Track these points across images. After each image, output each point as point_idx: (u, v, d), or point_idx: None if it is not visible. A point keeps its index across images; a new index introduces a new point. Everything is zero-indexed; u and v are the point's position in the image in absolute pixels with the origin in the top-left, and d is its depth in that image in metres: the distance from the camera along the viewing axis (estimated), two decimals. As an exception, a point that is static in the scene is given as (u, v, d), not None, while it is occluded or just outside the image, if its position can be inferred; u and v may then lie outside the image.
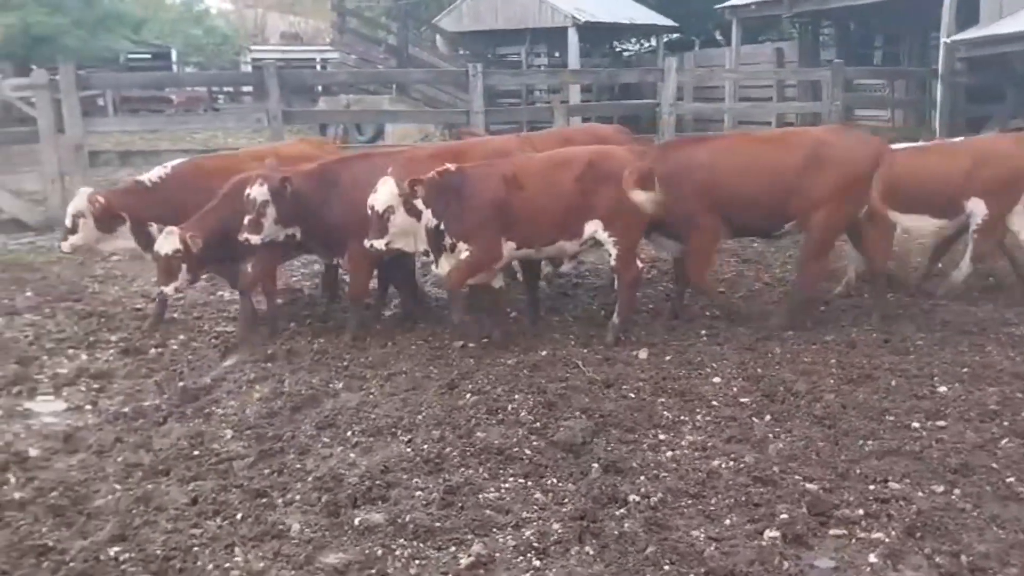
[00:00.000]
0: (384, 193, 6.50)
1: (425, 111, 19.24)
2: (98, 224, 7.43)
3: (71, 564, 3.97)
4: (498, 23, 25.50)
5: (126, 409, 5.83)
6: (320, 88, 26.66)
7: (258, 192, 6.70)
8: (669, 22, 25.70)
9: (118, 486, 4.73)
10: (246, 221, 6.69)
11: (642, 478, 4.68)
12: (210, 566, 3.96)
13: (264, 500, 4.54)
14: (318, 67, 36.46)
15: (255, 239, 6.74)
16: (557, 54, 26.07)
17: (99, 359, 6.84)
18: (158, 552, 4.05)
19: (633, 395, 5.79)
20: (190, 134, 21.59)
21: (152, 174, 7.70)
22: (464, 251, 6.64)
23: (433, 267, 7.18)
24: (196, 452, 5.11)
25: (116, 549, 4.09)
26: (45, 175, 10.59)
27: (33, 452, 5.17)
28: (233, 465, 4.94)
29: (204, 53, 51.16)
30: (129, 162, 11.17)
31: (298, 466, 4.93)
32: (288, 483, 4.73)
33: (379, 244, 6.55)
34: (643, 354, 6.56)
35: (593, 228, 6.76)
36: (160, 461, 5.00)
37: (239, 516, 4.38)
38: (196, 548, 4.10)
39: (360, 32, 22.62)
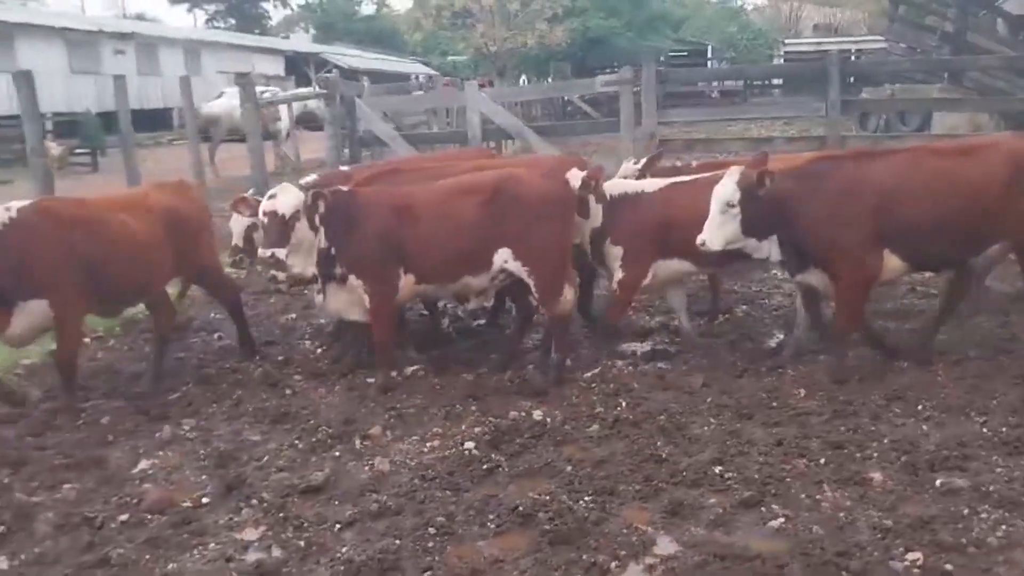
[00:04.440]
0: (290, 198, 6.08)
1: (991, 100, 17.81)
2: None
3: (684, 473, 4.78)
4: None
5: (705, 361, 6.64)
6: (852, 79, 26.10)
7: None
8: None
9: (712, 420, 5.50)
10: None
11: None
12: (802, 496, 4.50)
13: (843, 451, 4.96)
14: (852, 58, 35.70)
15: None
16: None
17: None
18: (755, 476, 4.69)
19: None
20: (725, 125, 22.63)
21: None
22: (360, 287, 6.20)
23: (317, 298, 6.55)
24: (774, 404, 5.70)
25: (719, 468, 4.82)
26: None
27: (636, 385, 6.16)
28: (810, 419, 5.43)
29: (736, 49, 52.77)
30: (693, 148, 12.27)
31: (872, 428, 5.26)
32: (864, 441, 5.09)
33: (280, 253, 5.97)
34: None
35: (503, 258, 6.24)
36: (743, 407, 5.67)
37: (822, 461, 4.87)
38: (788, 480, 4.67)
39: (912, 20, 21.75)
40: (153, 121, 33.65)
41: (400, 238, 6.22)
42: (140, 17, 62.18)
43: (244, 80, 12.90)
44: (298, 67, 47.47)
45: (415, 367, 6.74)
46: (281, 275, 6.34)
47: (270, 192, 6.13)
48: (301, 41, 57.02)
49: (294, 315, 8.49)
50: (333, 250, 6.20)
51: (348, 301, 6.34)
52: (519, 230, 6.25)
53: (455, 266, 6.36)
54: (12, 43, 30.05)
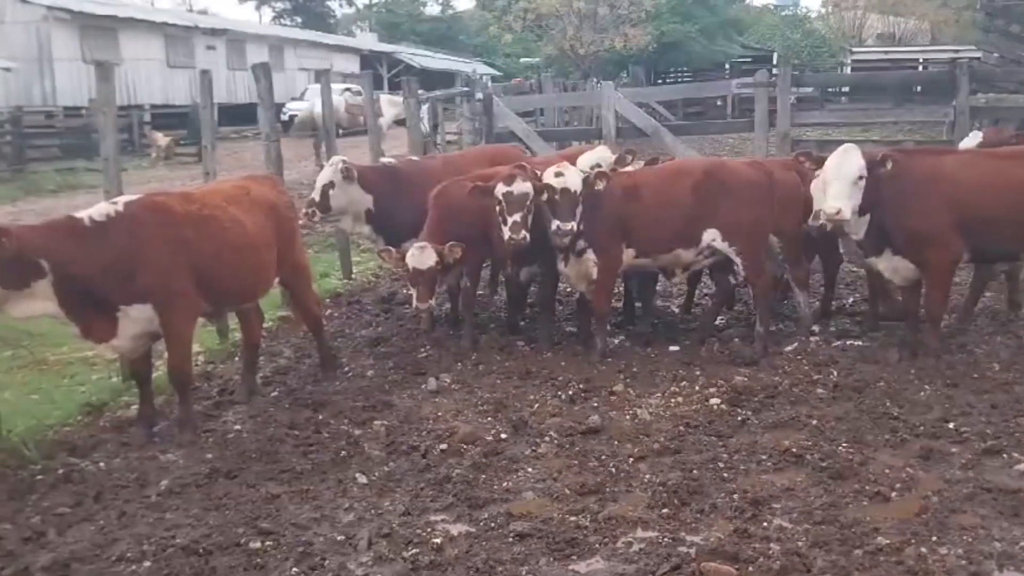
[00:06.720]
0: (576, 176, 6.77)
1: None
2: None
3: (921, 427, 5.48)
4: None
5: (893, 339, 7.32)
6: (919, 88, 26.35)
7: (525, 187, 6.82)
8: None
9: (927, 387, 6.17)
10: (517, 218, 6.76)
11: None
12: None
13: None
14: (920, 67, 35.99)
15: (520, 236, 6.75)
16: None
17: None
18: (987, 431, 5.37)
19: None
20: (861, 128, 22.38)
21: None
22: (591, 261, 6.94)
23: (561, 266, 7.13)
24: (975, 375, 6.36)
25: (951, 424, 5.51)
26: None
27: (839, 359, 6.84)
28: (1014, 388, 6.08)
29: (800, 56, 52.95)
30: (827, 149, 12.86)
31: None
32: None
33: (573, 227, 6.66)
34: None
35: (711, 237, 7.01)
36: (948, 377, 6.31)
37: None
38: (1017, 434, 5.34)
39: (1009, 31, 22.11)
40: (239, 116, 34.72)
41: (626, 217, 7.00)
42: (203, 13, 63.91)
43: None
44: (371, 66, 48.55)
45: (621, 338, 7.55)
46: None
47: (556, 172, 6.82)
48: (367, 40, 58.22)
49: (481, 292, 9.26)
50: (580, 226, 6.85)
51: (580, 273, 7.11)
52: (726, 212, 7.00)
53: (668, 242, 7.12)
54: (116, 37, 31.37)
